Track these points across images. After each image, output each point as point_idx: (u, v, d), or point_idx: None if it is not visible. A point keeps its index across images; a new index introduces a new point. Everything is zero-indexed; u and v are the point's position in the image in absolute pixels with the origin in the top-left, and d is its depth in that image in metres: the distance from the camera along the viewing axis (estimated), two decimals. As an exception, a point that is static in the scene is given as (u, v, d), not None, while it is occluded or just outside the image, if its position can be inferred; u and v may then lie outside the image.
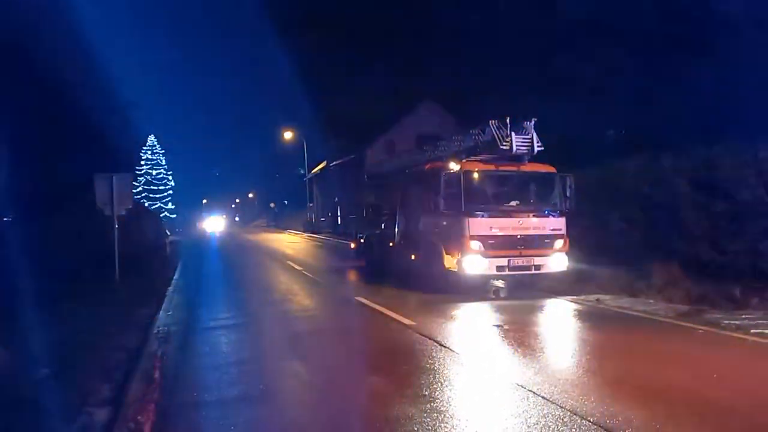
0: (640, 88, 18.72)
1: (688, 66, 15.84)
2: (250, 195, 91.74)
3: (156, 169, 72.12)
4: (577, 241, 11.27)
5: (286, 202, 69.67)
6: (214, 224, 65.69)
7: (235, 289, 13.51)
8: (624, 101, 18.66)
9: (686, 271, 10.71)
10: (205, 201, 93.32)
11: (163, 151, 72.79)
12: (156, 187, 71.44)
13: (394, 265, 13.20)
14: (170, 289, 12.78)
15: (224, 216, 78.31)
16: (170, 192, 73.73)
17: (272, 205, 71.93)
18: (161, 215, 63.33)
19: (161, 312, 9.77)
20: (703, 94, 14.85)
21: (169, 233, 42.29)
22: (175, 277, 15.14)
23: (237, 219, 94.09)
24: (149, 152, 72.40)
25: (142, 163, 71.09)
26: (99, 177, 12.48)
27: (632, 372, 5.59)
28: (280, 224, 59.79)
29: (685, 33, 16.42)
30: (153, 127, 70.13)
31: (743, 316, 7.89)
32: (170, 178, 73.76)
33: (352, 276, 15.13)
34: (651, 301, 9.58)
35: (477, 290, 10.24)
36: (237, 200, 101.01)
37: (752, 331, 7.02)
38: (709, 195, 11.58)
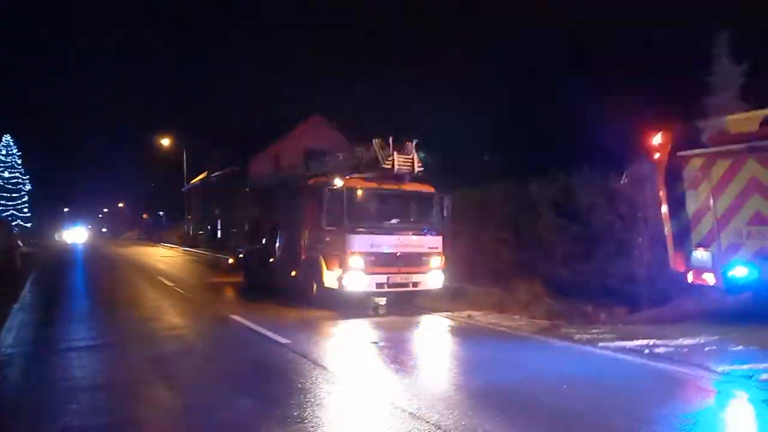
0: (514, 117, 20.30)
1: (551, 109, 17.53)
2: (120, 205, 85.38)
3: (10, 172, 64.77)
4: (453, 259, 11.79)
5: (161, 213, 65.77)
6: (76, 235, 60.48)
7: (95, 307, 12.36)
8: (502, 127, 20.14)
9: (548, 288, 11.65)
10: (66, 210, 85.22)
11: (19, 153, 65.58)
12: (9, 193, 64.01)
13: (274, 282, 12.89)
14: (16, 306, 11.40)
15: (88, 226, 72.67)
16: (26, 198, 66.47)
17: (145, 216, 67.55)
18: (13, 224, 56.83)
19: (2, 332, 8.67)
20: (565, 130, 16.47)
21: (21, 244, 38.04)
22: (23, 293, 13.55)
23: (104, 230, 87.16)
24: (3, 153, 64.96)
25: (-7, 164, 63.55)
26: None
27: (495, 385, 5.89)
28: (154, 237, 56.18)
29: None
30: (9, 124, 63.19)
31: (593, 331, 8.67)
32: (27, 182, 66.52)
33: (229, 293, 14.54)
34: (516, 317, 10.23)
35: (357, 307, 10.28)
36: (105, 210, 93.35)
37: (599, 344, 7.72)
38: (567, 219, 12.72)
